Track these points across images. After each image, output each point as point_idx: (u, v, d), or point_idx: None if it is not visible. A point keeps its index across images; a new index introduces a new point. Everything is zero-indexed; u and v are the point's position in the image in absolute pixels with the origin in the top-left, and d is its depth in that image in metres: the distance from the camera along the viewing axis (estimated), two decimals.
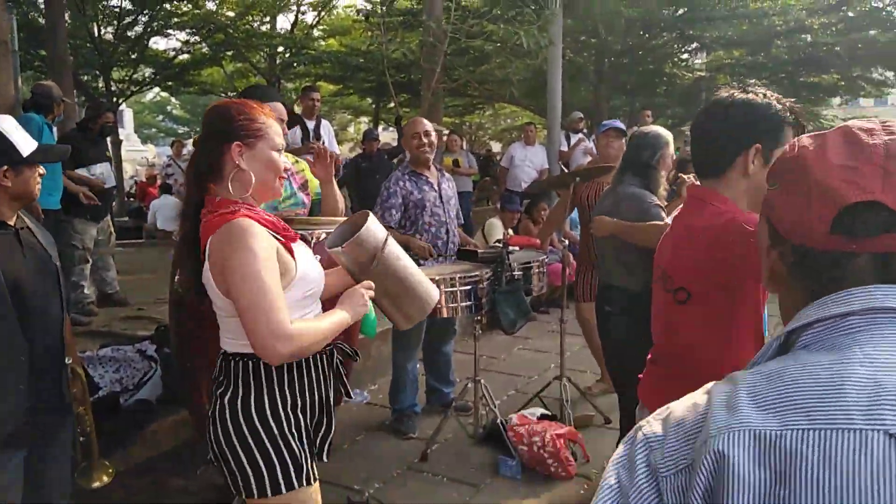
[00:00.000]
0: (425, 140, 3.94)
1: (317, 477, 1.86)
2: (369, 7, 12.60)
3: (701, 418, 0.71)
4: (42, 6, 10.03)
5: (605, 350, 3.24)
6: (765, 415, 0.67)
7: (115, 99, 14.20)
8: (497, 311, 3.65)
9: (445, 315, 3.61)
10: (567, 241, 4.50)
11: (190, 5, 13.65)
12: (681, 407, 0.75)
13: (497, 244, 4.31)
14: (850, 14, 11.65)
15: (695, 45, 12.73)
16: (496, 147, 24.89)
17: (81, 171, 5.26)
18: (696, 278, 1.65)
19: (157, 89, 20.40)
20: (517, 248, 4.33)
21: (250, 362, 1.74)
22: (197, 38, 14.77)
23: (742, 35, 11.72)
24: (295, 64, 15.91)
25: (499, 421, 3.72)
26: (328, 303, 1.89)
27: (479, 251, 4.06)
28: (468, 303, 3.50)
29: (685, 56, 13.95)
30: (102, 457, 2.38)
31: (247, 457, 1.72)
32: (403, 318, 2.02)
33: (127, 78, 15.06)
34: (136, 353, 3.72)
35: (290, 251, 1.72)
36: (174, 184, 10.86)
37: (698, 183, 1.79)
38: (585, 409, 4.23)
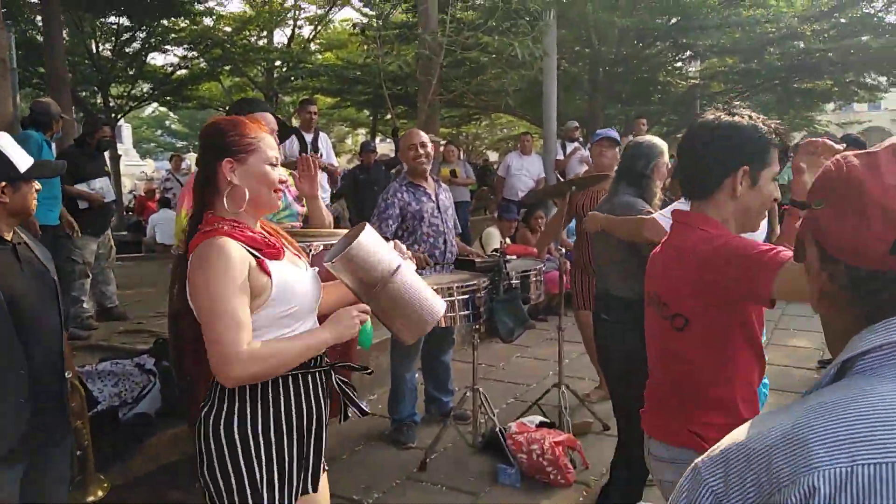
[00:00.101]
0: (422, 151, 3.97)
1: (301, 494, 1.81)
2: (365, 21, 12.69)
3: (763, 460, 0.68)
4: (40, 23, 10.09)
5: (601, 357, 3.25)
6: (832, 451, 0.64)
7: (113, 114, 14.27)
8: (495, 320, 3.66)
9: (444, 324, 3.63)
10: (564, 250, 4.52)
11: (187, 21, 13.72)
12: (739, 451, 0.72)
13: (494, 253, 4.33)
14: (842, 20, 11.73)
15: (688, 53, 12.80)
16: (493, 157, 24.96)
17: (81, 187, 5.29)
18: (691, 303, 1.65)
19: (155, 104, 20.51)
20: (514, 256, 4.35)
21: None
22: (194, 53, 14.85)
23: (735, 43, 11.79)
24: (292, 78, 15.98)
25: (498, 429, 3.73)
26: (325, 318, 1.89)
27: (476, 260, 4.08)
28: (466, 312, 3.52)
29: (679, 64, 14.03)
30: (99, 471, 2.39)
31: (221, 475, 1.71)
32: (407, 334, 1.96)
33: (125, 94, 15.14)
34: (135, 367, 3.73)
35: (267, 270, 1.68)
36: (173, 198, 10.90)
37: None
38: (584, 417, 4.24)
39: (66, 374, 2.17)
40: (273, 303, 1.69)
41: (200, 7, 13.50)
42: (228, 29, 15.05)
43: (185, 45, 14.59)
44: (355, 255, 1.78)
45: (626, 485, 3.07)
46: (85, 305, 5.37)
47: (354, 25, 11.02)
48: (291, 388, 1.78)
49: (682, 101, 13.76)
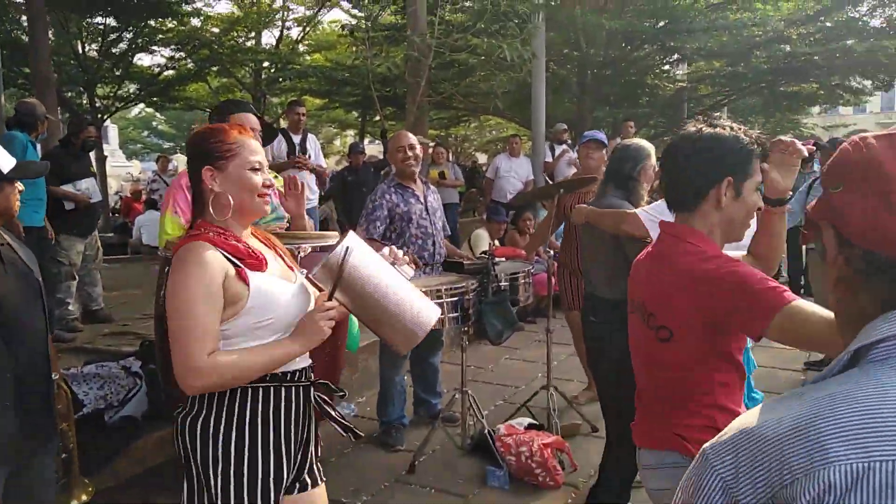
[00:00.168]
0: (410, 153, 3.96)
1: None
2: (354, 22, 12.65)
3: (775, 450, 0.67)
4: (25, 23, 9.99)
5: (590, 358, 3.26)
6: (848, 446, 0.63)
7: (99, 115, 14.16)
8: (484, 322, 3.66)
9: (433, 327, 3.62)
10: (552, 252, 4.53)
11: (175, 22, 13.64)
12: (749, 438, 0.70)
13: (483, 255, 4.33)
14: (828, 24, 11.83)
15: (676, 56, 12.87)
16: (482, 158, 24.99)
17: (66, 187, 5.25)
18: (679, 318, 1.64)
19: (141, 105, 20.38)
20: (503, 259, 4.36)
21: None
22: (182, 54, 14.77)
23: (722, 46, 11.86)
24: (280, 79, 15.92)
25: (486, 431, 3.72)
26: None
27: (465, 263, 4.09)
28: (455, 314, 3.52)
29: (667, 67, 14.09)
30: (85, 473, 2.37)
31: (196, 476, 1.71)
32: (399, 346, 1.91)
33: (111, 94, 15.03)
34: (121, 370, 3.70)
35: (245, 279, 1.66)
36: (159, 199, 10.83)
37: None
38: (572, 418, 4.25)
39: (51, 376, 2.15)
40: (248, 313, 1.67)
41: (188, 8, 13.44)
42: (216, 30, 14.98)
43: (173, 46, 14.51)
44: (333, 265, 1.73)
45: (614, 486, 3.08)
46: (70, 307, 5.32)
47: (343, 27, 10.98)
48: (272, 399, 1.74)
49: (669, 104, 13.83)
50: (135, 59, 14.96)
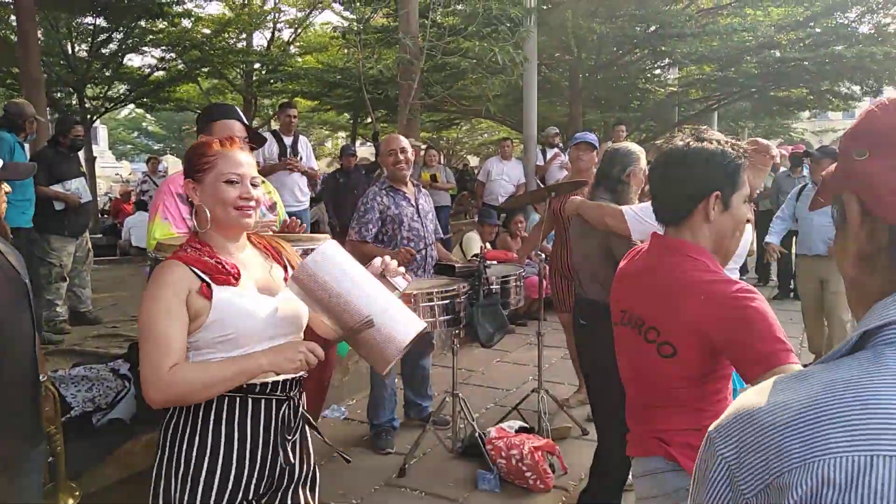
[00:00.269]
0: (402, 157, 3.96)
1: None
2: (346, 25, 12.65)
3: (774, 436, 0.63)
4: (14, 23, 9.93)
5: (581, 361, 3.27)
6: (851, 437, 0.59)
7: (88, 116, 14.08)
8: (475, 325, 3.66)
9: (421, 332, 3.61)
10: (543, 255, 4.54)
11: (165, 23, 13.58)
12: (751, 421, 0.67)
13: (475, 258, 4.33)
14: (818, 30, 11.92)
15: (667, 60, 12.93)
16: (474, 161, 25.01)
17: (56, 188, 5.21)
18: (685, 338, 1.63)
19: (131, 106, 20.27)
20: (495, 262, 4.36)
21: None
22: (172, 55, 14.71)
23: (713, 51, 11.93)
24: (272, 80, 15.89)
25: (477, 434, 3.72)
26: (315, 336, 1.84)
27: (456, 265, 4.08)
28: (446, 317, 3.51)
29: (658, 72, 14.18)
30: (73, 476, 2.34)
31: (164, 479, 1.72)
32: (373, 362, 1.76)
33: (101, 95, 14.95)
34: (110, 372, 3.67)
35: (206, 294, 1.67)
36: (149, 200, 10.78)
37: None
38: (563, 421, 4.25)
39: (39, 378, 2.12)
40: (209, 327, 1.68)
41: (178, 9, 13.37)
42: (207, 31, 14.94)
43: (163, 47, 14.45)
44: (302, 278, 1.67)
45: (604, 489, 3.08)
46: (59, 309, 5.28)
47: (335, 29, 10.98)
48: (237, 410, 1.73)
49: (660, 108, 13.90)
50: (125, 60, 14.90)
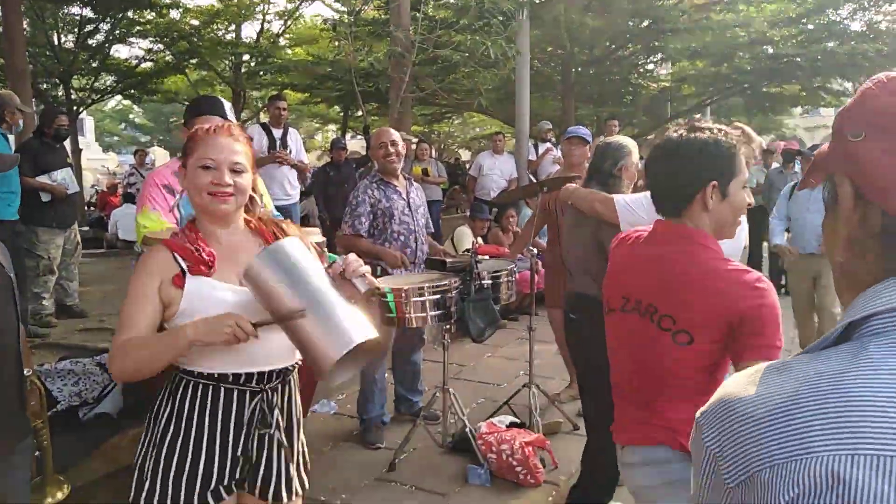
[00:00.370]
0: (392, 150, 3.92)
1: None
2: (336, 17, 12.55)
3: (753, 429, 0.61)
4: None
5: (572, 355, 3.25)
6: (835, 436, 0.57)
7: (75, 107, 13.94)
8: (466, 320, 3.64)
9: (415, 325, 3.59)
10: (535, 250, 4.52)
11: (153, 13, 13.45)
12: (732, 411, 0.65)
13: (466, 253, 4.31)
14: (810, 27, 11.97)
15: (659, 56, 12.96)
16: (465, 155, 24.98)
17: (42, 179, 5.14)
18: (703, 325, 1.63)
19: (118, 97, 20.09)
20: (486, 256, 4.33)
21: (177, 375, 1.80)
22: (160, 46, 14.57)
23: (706, 46, 11.96)
24: (261, 73, 15.77)
25: (468, 429, 3.70)
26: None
27: (448, 261, 4.05)
28: (437, 312, 3.48)
29: (650, 67, 14.20)
30: (58, 471, 2.31)
31: (139, 453, 1.80)
32: (312, 367, 1.63)
33: (88, 86, 14.80)
34: (96, 366, 3.63)
35: (179, 284, 1.70)
36: (136, 193, 10.68)
37: None
38: (554, 416, 4.24)
39: (24, 372, 2.09)
40: (181, 315, 1.70)
41: None
42: (195, 22, 14.79)
43: (151, 38, 14.32)
44: (258, 268, 1.63)
45: (594, 484, 3.07)
46: (45, 302, 5.22)
47: (325, 21, 10.90)
48: (210, 397, 1.75)
49: (653, 103, 13.93)
50: (112, 51, 14.76)
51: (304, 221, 8.75)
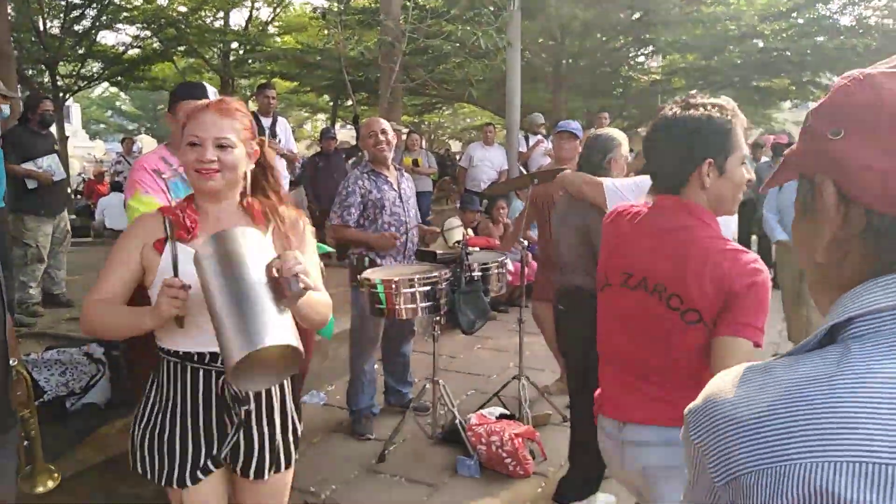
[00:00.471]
0: (382, 138, 3.90)
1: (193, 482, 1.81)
2: (326, 5, 12.47)
3: (735, 434, 0.61)
4: None
5: (561, 347, 3.26)
6: (811, 444, 0.56)
7: (61, 94, 13.78)
8: (456, 312, 3.63)
9: (405, 317, 3.58)
10: (526, 242, 4.52)
11: (140, 0, 13.30)
12: (716, 411, 0.64)
13: (456, 245, 4.30)
14: (800, 21, 12.02)
15: (650, 48, 12.97)
16: (456, 146, 24.94)
17: (28, 165, 5.08)
18: (714, 307, 1.62)
19: (105, 84, 19.89)
20: (476, 248, 4.33)
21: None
22: (148, 32, 14.43)
23: (696, 39, 11.99)
24: (250, 60, 15.65)
25: (457, 421, 3.71)
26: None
27: (438, 252, 4.04)
28: (427, 304, 3.48)
29: (641, 59, 14.21)
30: (47, 461, 2.29)
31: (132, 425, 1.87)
32: (224, 353, 1.52)
33: (74, 73, 14.63)
34: (84, 356, 3.59)
35: (159, 249, 1.74)
36: (124, 181, 10.57)
37: None
38: (544, 408, 4.25)
39: (9, 362, 2.06)
40: (157, 282, 1.73)
41: None
42: (183, 9, 14.66)
43: (138, 24, 14.18)
44: (201, 256, 1.60)
45: (583, 476, 3.09)
46: (32, 291, 5.17)
47: (315, 9, 10.84)
48: (179, 374, 1.79)
49: (643, 96, 13.94)
50: (98, 37, 14.63)
51: None
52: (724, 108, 1.67)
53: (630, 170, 3.37)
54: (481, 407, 4.09)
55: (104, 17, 13.66)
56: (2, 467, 2.10)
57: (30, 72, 13.55)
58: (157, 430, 1.81)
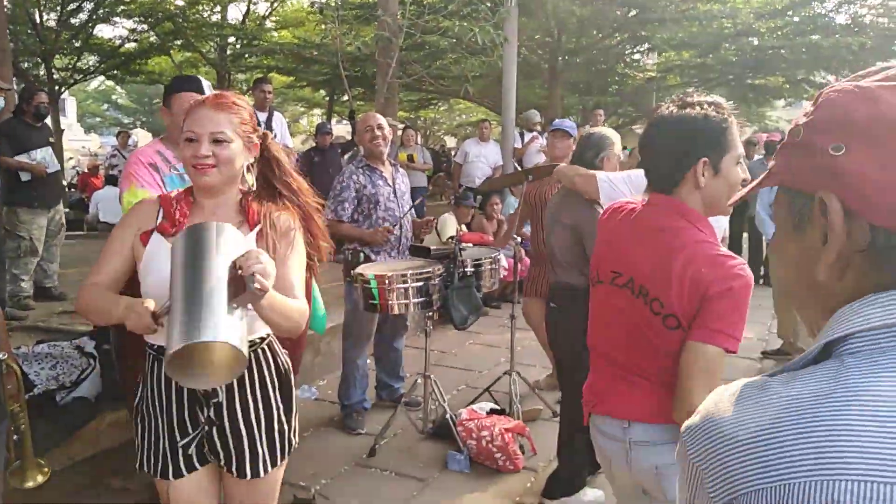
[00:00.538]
0: (378, 133, 3.91)
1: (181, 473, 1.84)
2: (323, 0, 12.45)
3: (734, 453, 0.60)
4: None
5: (552, 343, 3.27)
6: (809, 463, 0.56)
7: (57, 87, 13.73)
8: (449, 308, 3.64)
9: (397, 312, 3.59)
10: (519, 238, 4.53)
11: None
12: (714, 429, 0.64)
13: (450, 240, 4.30)
14: (795, 19, 12.04)
15: (646, 45, 12.98)
16: (451, 142, 24.92)
17: (21, 158, 5.07)
18: (691, 313, 1.61)
19: (101, 78, 19.82)
20: (470, 244, 4.34)
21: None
22: (144, 26, 14.38)
23: (692, 37, 11.99)
24: (246, 55, 15.61)
25: (448, 416, 3.72)
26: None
27: (431, 248, 4.05)
28: (420, 299, 3.49)
29: (637, 56, 14.21)
30: (37, 455, 2.29)
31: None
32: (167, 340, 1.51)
33: (70, 66, 14.58)
34: (75, 350, 3.59)
35: (144, 241, 1.77)
36: (119, 175, 10.54)
37: None
38: (534, 404, 4.27)
39: (1, 355, 2.07)
40: (141, 272, 1.78)
41: None
42: (180, 2, 14.60)
43: (135, 18, 14.12)
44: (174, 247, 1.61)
45: (572, 471, 3.11)
46: (24, 284, 5.16)
47: (312, 4, 10.80)
48: (155, 368, 1.83)
49: (638, 94, 13.95)
50: (95, 31, 14.55)
51: None
52: (721, 108, 1.67)
53: (624, 168, 3.38)
54: (472, 402, 4.10)
55: (101, 11, 13.60)
56: None
57: (26, 64, 13.51)
58: (146, 421, 1.86)
